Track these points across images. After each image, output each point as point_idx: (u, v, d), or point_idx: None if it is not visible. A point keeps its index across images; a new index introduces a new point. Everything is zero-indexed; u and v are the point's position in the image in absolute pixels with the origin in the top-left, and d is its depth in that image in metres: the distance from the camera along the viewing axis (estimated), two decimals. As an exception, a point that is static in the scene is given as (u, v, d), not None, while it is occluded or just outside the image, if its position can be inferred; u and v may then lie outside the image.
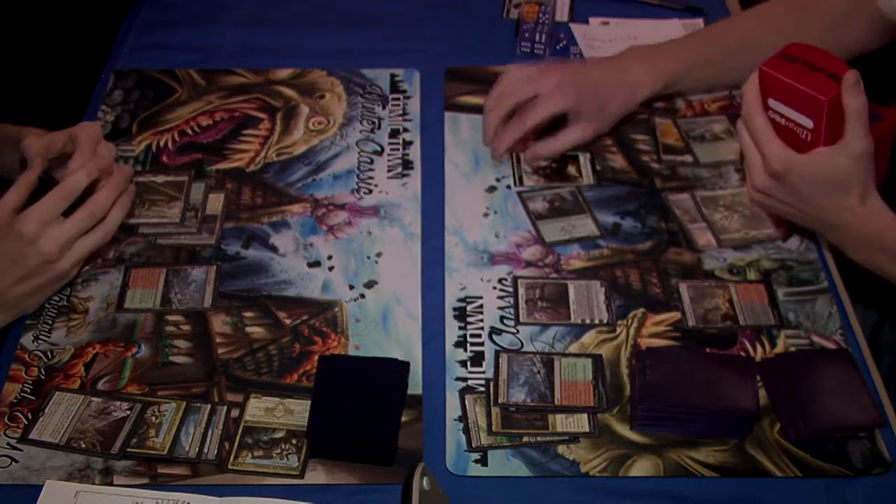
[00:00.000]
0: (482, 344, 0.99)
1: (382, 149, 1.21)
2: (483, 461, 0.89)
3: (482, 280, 1.05)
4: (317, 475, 0.88)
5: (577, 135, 1.15)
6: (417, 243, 1.09)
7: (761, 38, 1.11)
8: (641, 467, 0.89)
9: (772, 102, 0.90)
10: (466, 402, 0.94)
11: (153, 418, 0.92)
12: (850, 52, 1.13)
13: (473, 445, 0.90)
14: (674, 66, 1.16)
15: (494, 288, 1.04)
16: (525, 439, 0.91)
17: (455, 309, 1.02)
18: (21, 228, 0.91)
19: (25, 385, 0.95)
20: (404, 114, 1.26)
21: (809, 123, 0.87)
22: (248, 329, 1.00)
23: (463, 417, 0.93)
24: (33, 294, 0.97)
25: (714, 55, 1.18)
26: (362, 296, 1.04)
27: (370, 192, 1.15)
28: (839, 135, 0.86)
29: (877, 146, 0.87)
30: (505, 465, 0.89)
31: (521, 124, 1.13)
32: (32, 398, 0.94)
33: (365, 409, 0.89)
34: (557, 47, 1.37)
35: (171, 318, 1.01)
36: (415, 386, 0.95)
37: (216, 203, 1.14)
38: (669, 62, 1.17)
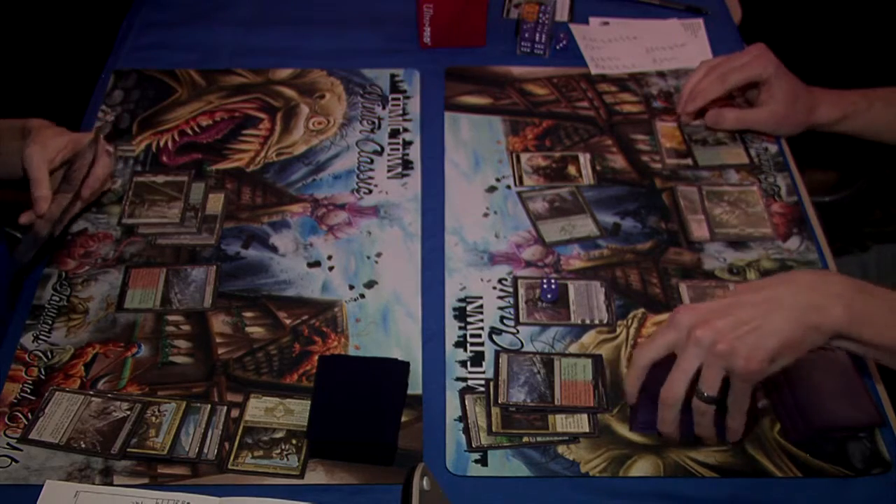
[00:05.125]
0: (482, 344, 0.99)
1: (382, 149, 1.21)
2: (483, 461, 0.89)
3: (482, 280, 1.05)
4: (317, 475, 0.88)
5: (763, 117, 1.18)
6: (417, 243, 1.09)
7: None
8: (641, 467, 0.89)
9: None
10: (466, 402, 0.94)
11: (153, 418, 0.92)
12: None
13: (473, 445, 0.90)
14: (857, 98, 1.17)
15: (494, 288, 1.04)
16: (525, 439, 0.91)
17: (455, 309, 1.02)
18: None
19: (25, 385, 0.95)
20: (404, 114, 1.26)
21: None
22: (248, 329, 1.00)
23: (463, 417, 0.93)
24: None
25: None
26: (362, 296, 1.04)
27: (370, 192, 1.15)
28: None
29: None
30: (505, 465, 0.89)
31: (720, 84, 1.17)
32: (32, 398, 0.94)
33: (365, 409, 0.89)
34: (557, 47, 1.37)
35: (171, 318, 1.01)
36: (415, 386, 0.95)
37: (216, 203, 1.14)
38: (854, 94, 1.18)
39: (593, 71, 1.33)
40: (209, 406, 0.93)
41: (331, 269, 1.06)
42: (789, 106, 1.17)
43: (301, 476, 0.88)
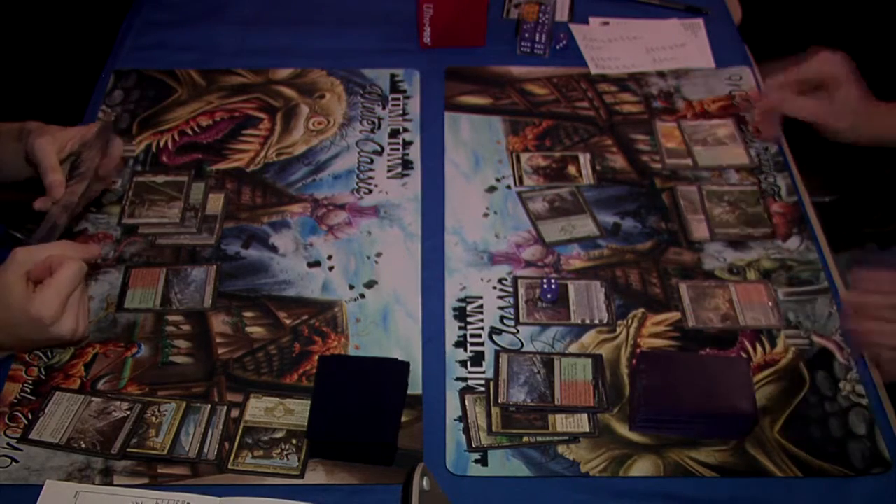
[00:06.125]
0: (482, 344, 0.99)
1: (382, 149, 1.21)
2: (483, 461, 0.89)
3: (482, 280, 1.05)
4: (317, 475, 0.88)
5: (825, 112, 1.13)
6: (417, 243, 1.09)
7: None
8: (641, 467, 0.89)
9: None
10: (466, 402, 0.94)
11: (153, 418, 0.92)
12: None
13: (473, 445, 0.90)
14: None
15: (494, 288, 1.04)
16: (525, 439, 0.91)
17: (455, 309, 1.02)
18: (39, 313, 0.85)
19: (25, 385, 0.95)
20: (404, 114, 1.26)
21: None
22: (248, 329, 1.00)
23: (463, 417, 0.93)
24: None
25: None
26: (362, 296, 1.04)
27: (370, 192, 1.15)
28: None
29: None
30: (505, 465, 0.89)
31: (790, 72, 1.14)
32: (32, 398, 0.94)
33: (365, 409, 0.89)
34: (557, 47, 1.37)
35: (171, 318, 1.01)
36: (415, 386, 0.95)
37: (216, 203, 1.14)
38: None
39: (593, 71, 1.33)
40: (209, 406, 0.93)
41: (331, 269, 1.06)
42: (848, 113, 1.13)
43: (301, 476, 0.88)
